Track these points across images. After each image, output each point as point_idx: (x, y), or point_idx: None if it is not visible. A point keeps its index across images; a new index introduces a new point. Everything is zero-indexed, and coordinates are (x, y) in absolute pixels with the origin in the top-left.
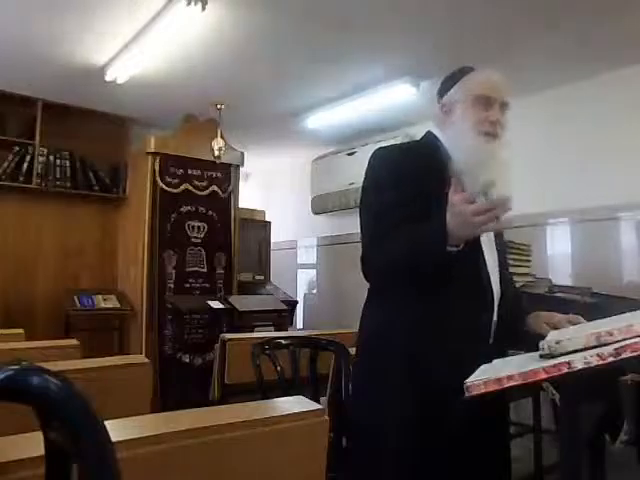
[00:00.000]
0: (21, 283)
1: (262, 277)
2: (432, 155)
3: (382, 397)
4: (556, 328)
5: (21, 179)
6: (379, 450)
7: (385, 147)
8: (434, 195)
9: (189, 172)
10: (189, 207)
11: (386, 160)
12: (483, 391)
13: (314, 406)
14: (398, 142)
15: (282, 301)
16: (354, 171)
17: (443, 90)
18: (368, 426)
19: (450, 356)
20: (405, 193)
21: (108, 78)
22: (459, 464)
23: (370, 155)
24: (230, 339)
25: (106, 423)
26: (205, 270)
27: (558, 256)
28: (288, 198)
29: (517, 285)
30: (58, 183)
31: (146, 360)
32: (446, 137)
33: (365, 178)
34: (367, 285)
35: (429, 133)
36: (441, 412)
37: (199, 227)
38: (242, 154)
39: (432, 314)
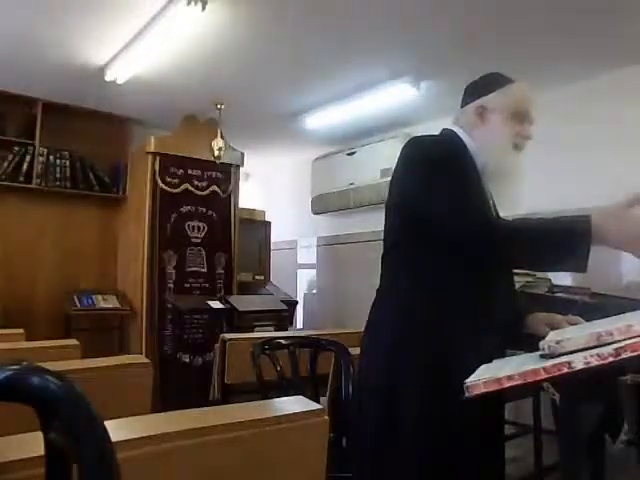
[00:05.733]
0: (21, 283)
1: (262, 277)
2: (463, 154)
3: (401, 395)
4: (555, 329)
5: (21, 179)
6: (382, 450)
7: (428, 136)
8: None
9: (189, 172)
10: (189, 207)
11: (445, 147)
12: (483, 391)
13: (314, 406)
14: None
15: (282, 301)
16: (354, 171)
17: (478, 93)
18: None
19: (476, 357)
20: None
21: (108, 78)
22: (463, 464)
23: (412, 142)
24: (230, 339)
25: (106, 423)
26: (205, 270)
27: None
28: (288, 198)
29: (517, 285)
30: (58, 183)
31: (146, 360)
32: (477, 141)
33: (419, 163)
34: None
35: (450, 132)
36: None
37: (199, 227)
38: (242, 154)
39: (461, 314)
